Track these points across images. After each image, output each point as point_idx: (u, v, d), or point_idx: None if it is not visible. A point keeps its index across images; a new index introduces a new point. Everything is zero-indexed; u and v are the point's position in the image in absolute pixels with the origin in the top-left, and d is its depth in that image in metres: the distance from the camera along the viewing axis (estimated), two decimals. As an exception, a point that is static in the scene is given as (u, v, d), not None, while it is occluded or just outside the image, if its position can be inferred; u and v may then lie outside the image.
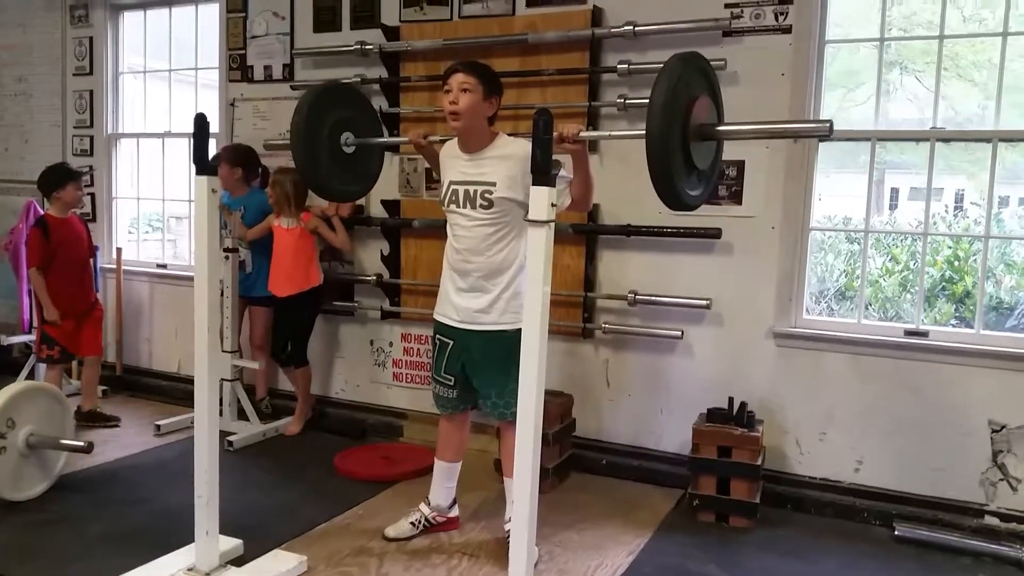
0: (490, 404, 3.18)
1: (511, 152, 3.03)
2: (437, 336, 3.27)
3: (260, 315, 4.91)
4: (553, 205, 2.39)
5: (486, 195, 3.02)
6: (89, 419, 4.80)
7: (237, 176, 4.83)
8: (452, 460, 3.39)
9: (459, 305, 3.15)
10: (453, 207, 3.13)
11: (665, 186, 2.29)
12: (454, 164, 3.16)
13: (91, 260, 4.93)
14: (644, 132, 2.25)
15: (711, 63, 3.79)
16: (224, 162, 4.73)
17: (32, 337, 5.37)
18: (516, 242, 3.05)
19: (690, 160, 2.32)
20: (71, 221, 4.75)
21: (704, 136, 2.36)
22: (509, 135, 3.20)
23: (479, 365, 3.16)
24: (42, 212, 5.18)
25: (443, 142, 3.26)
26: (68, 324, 4.65)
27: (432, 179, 4.62)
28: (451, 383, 3.25)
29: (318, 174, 3.17)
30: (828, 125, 2.27)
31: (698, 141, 2.33)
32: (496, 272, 3.08)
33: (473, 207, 3.06)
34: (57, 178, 4.65)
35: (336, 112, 3.15)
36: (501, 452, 3.30)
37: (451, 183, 3.14)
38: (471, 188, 3.07)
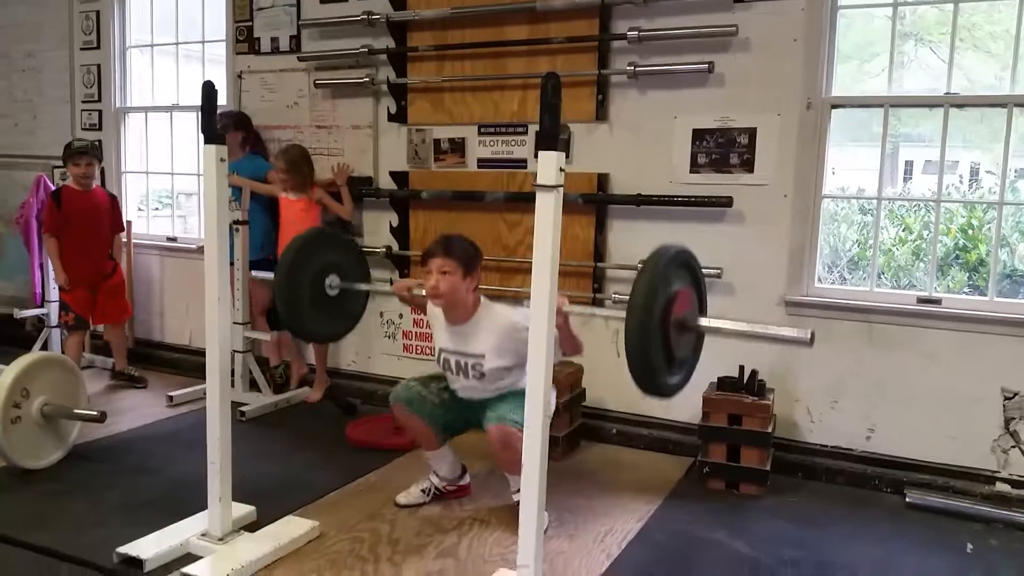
0: (497, 415, 3.13)
1: (493, 324, 3.14)
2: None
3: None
4: (562, 170, 2.38)
5: (477, 367, 3.16)
6: (118, 378, 5.11)
7: (238, 140, 4.88)
8: (437, 447, 3.38)
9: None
10: (449, 375, 3.28)
11: (644, 379, 2.35)
12: (441, 331, 3.26)
13: (113, 233, 5.07)
14: (624, 327, 2.29)
15: (722, 29, 3.81)
16: (230, 126, 4.78)
17: (45, 310, 5.47)
18: (516, 372, 3.14)
19: (671, 354, 2.37)
20: (92, 194, 4.93)
21: (685, 329, 2.42)
22: (489, 299, 3.26)
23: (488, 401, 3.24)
24: (52, 186, 5.40)
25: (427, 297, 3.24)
26: (81, 292, 4.86)
27: (440, 150, 4.60)
28: (440, 400, 3.30)
29: (299, 321, 3.18)
30: (809, 335, 2.31)
31: (679, 333, 2.38)
32: (500, 397, 3.22)
33: (467, 377, 3.21)
34: (64, 155, 4.90)
35: (322, 256, 3.17)
36: (497, 462, 3.27)
37: (442, 351, 3.26)
38: (462, 359, 3.19)
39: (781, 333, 2.61)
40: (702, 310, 2.58)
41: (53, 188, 5.46)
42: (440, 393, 3.32)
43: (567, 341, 2.99)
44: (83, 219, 4.83)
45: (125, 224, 5.42)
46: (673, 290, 2.38)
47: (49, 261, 5.42)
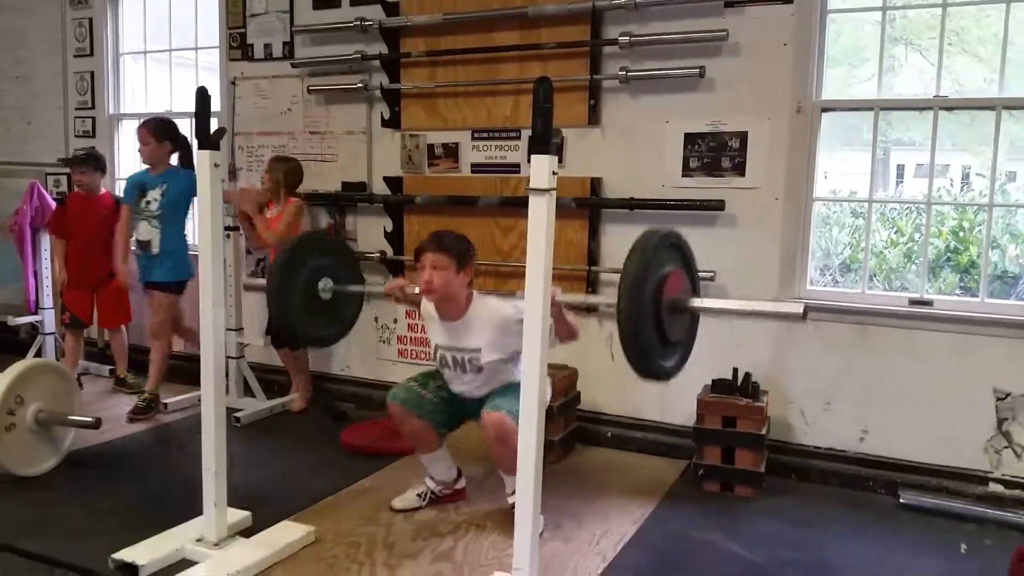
0: (491, 404, 3.14)
1: (487, 318, 3.14)
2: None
3: (162, 300, 4.68)
4: (555, 173, 2.39)
5: (474, 361, 3.18)
6: (119, 384, 5.25)
7: (168, 150, 4.62)
8: (432, 450, 3.38)
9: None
10: (447, 372, 3.29)
11: (638, 360, 2.35)
12: (436, 328, 3.27)
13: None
14: (616, 306, 2.28)
15: (713, 34, 3.84)
16: (152, 135, 4.55)
17: (38, 317, 5.47)
18: (512, 365, 3.16)
19: (664, 335, 2.36)
20: (97, 199, 5.07)
21: (678, 310, 2.40)
22: (482, 293, 3.27)
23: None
24: (46, 192, 5.46)
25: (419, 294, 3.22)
26: (79, 293, 5.05)
27: (434, 155, 4.62)
28: (437, 400, 3.30)
29: (293, 323, 3.15)
30: (802, 308, 2.33)
31: (672, 315, 2.37)
32: (494, 388, 3.24)
33: (464, 371, 3.23)
34: (68, 163, 5.15)
35: (314, 260, 3.15)
36: (495, 459, 3.25)
37: (439, 348, 3.27)
38: (459, 355, 3.21)
39: (774, 310, 2.68)
40: (695, 291, 2.55)
41: (47, 194, 5.52)
42: (438, 392, 3.31)
43: (562, 328, 2.96)
44: (85, 223, 4.98)
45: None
46: (664, 271, 2.37)
47: (44, 267, 5.47)
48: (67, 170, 5.46)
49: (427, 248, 3.08)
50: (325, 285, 3.18)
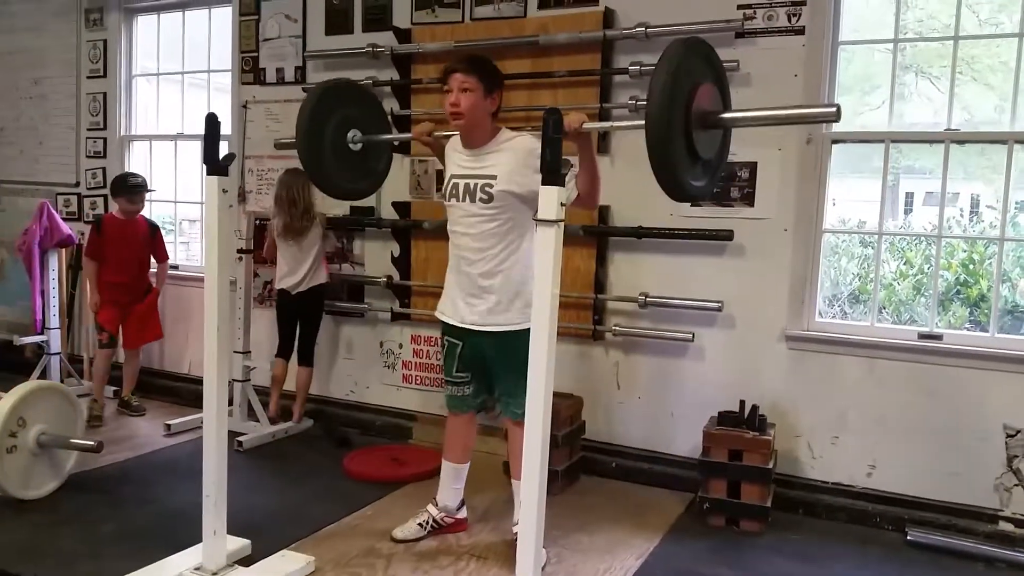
0: (502, 403, 3.20)
1: (511, 147, 3.03)
2: (446, 337, 3.30)
3: None
4: (563, 204, 2.38)
5: (486, 188, 3.01)
6: (121, 406, 5.20)
7: None
8: (459, 461, 3.37)
9: (463, 309, 3.15)
10: (453, 200, 3.12)
11: (665, 174, 2.22)
12: (456, 159, 3.17)
13: (159, 261, 5.23)
14: (644, 114, 2.18)
15: (723, 64, 3.83)
16: None
17: (44, 337, 5.47)
18: (519, 241, 3.04)
19: (693, 148, 2.25)
20: (133, 223, 5.08)
21: (708, 124, 2.28)
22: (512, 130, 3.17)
23: (493, 365, 3.19)
24: (56, 212, 5.44)
25: (448, 138, 3.23)
26: (113, 312, 5.06)
27: (443, 180, 4.60)
28: (467, 379, 3.28)
29: (323, 172, 3.10)
30: (836, 109, 2.24)
31: (702, 129, 2.25)
32: (496, 271, 3.06)
33: (472, 200, 3.05)
34: (114, 188, 5.10)
35: (342, 109, 3.07)
36: (509, 453, 3.31)
37: (452, 176, 3.15)
38: (472, 182, 3.06)
39: (806, 112, 2.63)
40: (725, 106, 2.40)
41: (56, 214, 5.53)
42: (461, 366, 3.25)
43: (586, 168, 2.81)
44: (119, 246, 5.00)
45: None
46: (694, 81, 2.23)
47: (51, 287, 5.48)
48: (77, 192, 5.44)
49: (456, 68, 3.00)
50: (354, 136, 3.06)
